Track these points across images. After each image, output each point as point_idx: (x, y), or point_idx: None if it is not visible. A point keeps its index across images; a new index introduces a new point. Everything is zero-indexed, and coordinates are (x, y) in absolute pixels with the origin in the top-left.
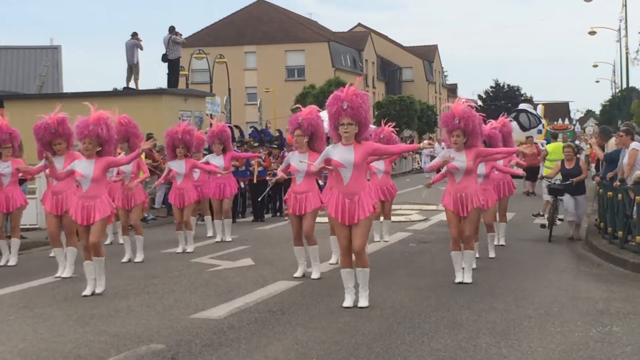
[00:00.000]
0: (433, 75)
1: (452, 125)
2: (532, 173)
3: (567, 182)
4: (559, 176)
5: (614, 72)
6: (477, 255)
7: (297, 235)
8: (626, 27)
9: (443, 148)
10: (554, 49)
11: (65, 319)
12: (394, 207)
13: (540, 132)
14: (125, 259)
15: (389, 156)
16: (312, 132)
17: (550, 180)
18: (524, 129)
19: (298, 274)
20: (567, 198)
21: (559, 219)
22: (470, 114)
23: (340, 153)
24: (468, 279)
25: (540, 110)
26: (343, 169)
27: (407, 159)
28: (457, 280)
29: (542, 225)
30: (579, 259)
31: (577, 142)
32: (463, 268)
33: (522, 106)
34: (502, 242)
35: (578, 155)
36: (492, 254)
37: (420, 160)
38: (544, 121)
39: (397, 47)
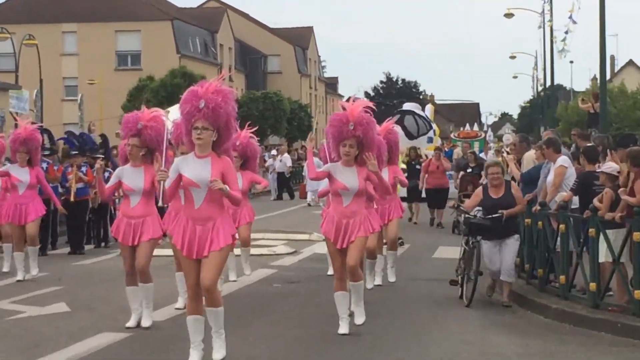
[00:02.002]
0: (307, 66)
1: (345, 132)
2: (438, 197)
3: (496, 215)
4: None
5: (536, 65)
6: (370, 286)
7: (130, 271)
8: (551, 8)
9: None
10: (461, 37)
11: None
12: (254, 236)
13: (430, 140)
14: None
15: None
16: (150, 147)
17: (468, 212)
18: (410, 136)
19: (131, 322)
20: (487, 247)
21: (479, 273)
22: (369, 120)
23: (192, 168)
24: (359, 318)
25: (429, 111)
26: (195, 189)
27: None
28: (341, 331)
29: (452, 282)
30: (487, 304)
31: (482, 154)
32: (350, 315)
33: (407, 106)
34: (391, 278)
35: (506, 177)
36: (369, 285)
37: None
38: (434, 126)
39: (261, 29)
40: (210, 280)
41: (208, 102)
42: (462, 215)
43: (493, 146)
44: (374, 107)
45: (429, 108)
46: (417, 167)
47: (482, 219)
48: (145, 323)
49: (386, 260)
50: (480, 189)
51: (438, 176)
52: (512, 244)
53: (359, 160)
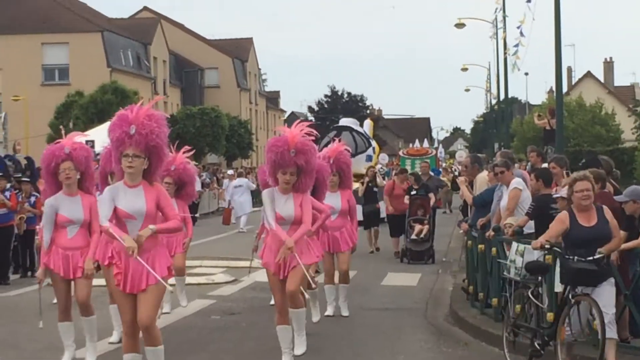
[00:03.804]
0: (247, 80)
1: (286, 159)
2: (399, 224)
3: (598, 257)
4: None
5: (489, 78)
6: (317, 319)
7: (65, 306)
8: (504, 17)
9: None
10: (409, 47)
11: None
12: (191, 263)
13: (370, 158)
14: None
15: None
16: (82, 171)
17: (561, 252)
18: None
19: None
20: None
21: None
22: (311, 147)
23: (125, 198)
24: (300, 348)
25: (368, 127)
26: (130, 221)
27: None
28: None
29: (534, 352)
30: (439, 336)
31: (432, 173)
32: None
33: (343, 122)
34: (344, 312)
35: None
36: (315, 318)
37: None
38: (374, 143)
39: (197, 41)
40: (149, 318)
41: (139, 128)
42: (542, 254)
43: (444, 164)
44: (315, 132)
45: (368, 124)
46: (375, 189)
47: (585, 262)
48: (90, 359)
49: (338, 294)
50: (564, 214)
51: (403, 201)
52: (609, 289)
53: (296, 186)
